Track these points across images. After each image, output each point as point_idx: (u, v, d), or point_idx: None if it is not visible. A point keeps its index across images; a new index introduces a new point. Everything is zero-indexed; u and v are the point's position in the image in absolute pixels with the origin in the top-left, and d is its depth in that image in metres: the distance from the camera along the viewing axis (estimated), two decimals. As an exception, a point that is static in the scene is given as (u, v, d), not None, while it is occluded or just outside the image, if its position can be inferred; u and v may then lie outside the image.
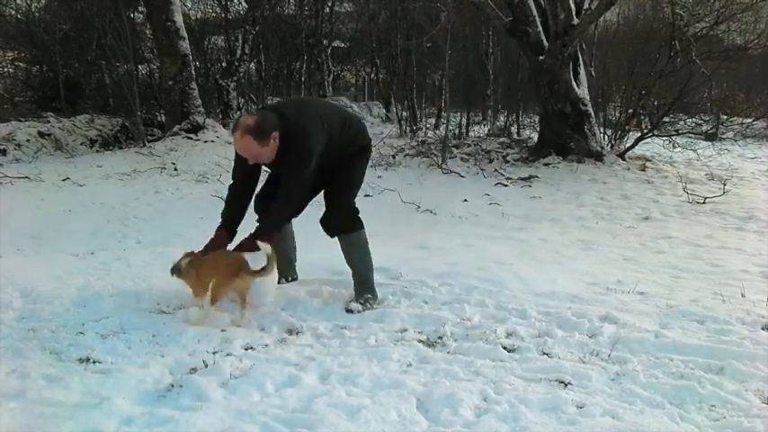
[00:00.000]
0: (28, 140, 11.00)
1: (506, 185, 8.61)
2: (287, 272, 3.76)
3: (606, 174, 8.95)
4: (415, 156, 10.51)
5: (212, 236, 3.46)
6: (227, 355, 2.85)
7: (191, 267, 3.24)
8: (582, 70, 10.17)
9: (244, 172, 3.43)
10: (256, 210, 3.59)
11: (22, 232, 6.09)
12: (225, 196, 3.55)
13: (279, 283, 3.62)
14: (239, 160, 3.39)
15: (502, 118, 14.33)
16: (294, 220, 3.67)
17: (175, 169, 9.64)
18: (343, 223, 3.53)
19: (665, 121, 10.39)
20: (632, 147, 9.98)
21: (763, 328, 3.17)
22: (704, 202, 7.43)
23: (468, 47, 14.66)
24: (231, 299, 3.31)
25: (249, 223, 3.44)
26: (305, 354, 2.88)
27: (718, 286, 3.97)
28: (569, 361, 2.81)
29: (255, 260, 3.17)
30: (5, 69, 14.45)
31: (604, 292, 3.84)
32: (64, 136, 11.53)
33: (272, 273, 3.12)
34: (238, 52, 13.30)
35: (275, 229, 3.40)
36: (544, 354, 2.89)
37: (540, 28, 9.69)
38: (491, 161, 10.17)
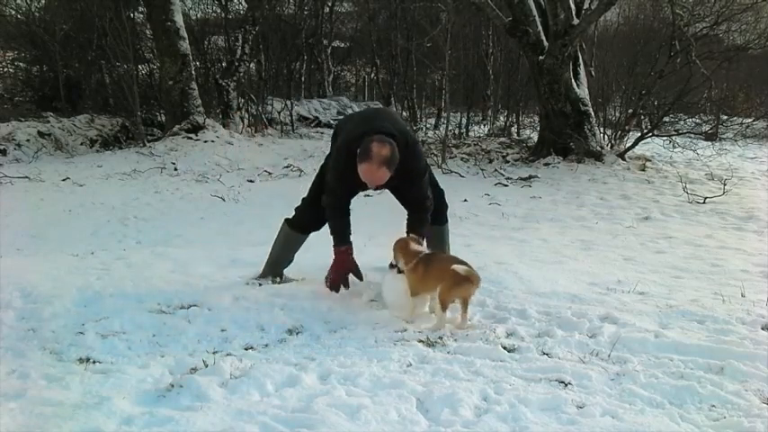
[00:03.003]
0: (28, 140, 11.01)
1: (506, 185, 8.61)
2: (280, 272, 3.90)
3: (606, 174, 8.96)
4: (414, 156, 10.49)
5: (339, 255, 3.54)
6: (227, 355, 2.85)
7: (417, 267, 3.21)
8: (582, 70, 10.18)
9: (349, 192, 3.54)
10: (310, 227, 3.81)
11: (22, 232, 6.10)
12: (330, 215, 3.59)
13: (274, 282, 3.79)
14: (347, 181, 3.44)
15: (502, 118, 14.34)
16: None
17: (175, 169, 9.65)
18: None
19: (665, 121, 10.39)
20: (632, 147, 9.98)
21: (763, 328, 3.17)
22: (704, 202, 7.43)
23: (468, 47, 14.65)
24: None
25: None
26: (305, 354, 2.88)
27: (719, 286, 3.97)
28: (569, 361, 2.81)
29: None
30: (5, 69, 14.46)
31: (604, 292, 3.83)
32: (64, 136, 11.54)
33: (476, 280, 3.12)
34: (238, 52, 13.30)
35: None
36: (544, 354, 2.89)
37: (540, 28, 9.69)
38: (491, 161, 10.17)
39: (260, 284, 3.76)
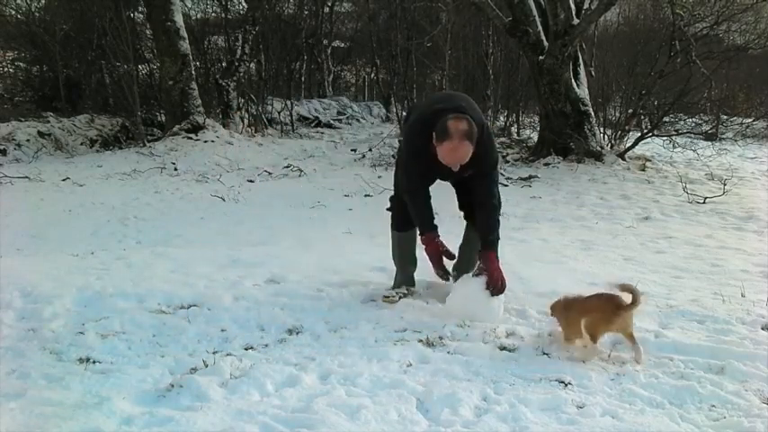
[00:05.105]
0: (28, 140, 11.01)
1: (506, 185, 8.60)
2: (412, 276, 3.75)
3: (606, 174, 8.95)
4: (415, 156, 10.49)
5: (429, 243, 3.37)
6: (227, 355, 2.85)
7: (563, 308, 3.04)
8: (582, 70, 10.17)
9: (429, 177, 3.36)
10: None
11: (22, 232, 6.10)
12: (410, 200, 3.43)
13: (409, 292, 3.65)
14: (422, 162, 3.27)
15: (502, 118, 14.32)
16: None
17: (175, 169, 9.64)
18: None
19: (665, 121, 10.38)
20: (632, 147, 9.97)
21: (763, 328, 3.17)
22: (704, 202, 7.42)
23: (468, 47, 14.64)
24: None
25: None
26: (305, 354, 2.88)
27: (719, 286, 3.96)
28: (569, 361, 2.81)
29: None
30: (5, 69, 14.46)
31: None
32: (64, 136, 11.54)
33: (639, 304, 2.80)
34: (238, 52, 13.29)
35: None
36: (544, 354, 2.89)
37: (540, 28, 9.69)
38: (491, 161, 10.14)
39: (397, 295, 3.58)
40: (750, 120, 12.41)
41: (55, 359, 2.79)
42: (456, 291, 3.38)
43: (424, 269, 3.74)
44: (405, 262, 3.73)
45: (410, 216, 3.56)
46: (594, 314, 2.82)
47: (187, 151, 10.61)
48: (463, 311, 3.27)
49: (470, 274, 3.38)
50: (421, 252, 3.56)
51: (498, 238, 3.39)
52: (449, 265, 3.53)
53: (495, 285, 3.28)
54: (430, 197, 3.42)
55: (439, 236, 3.39)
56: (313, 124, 15.39)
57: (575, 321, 2.88)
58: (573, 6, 9.21)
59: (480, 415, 2.36)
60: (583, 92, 9.88)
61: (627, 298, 2.79)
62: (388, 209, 3.77)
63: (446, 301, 3.39)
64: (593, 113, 9.96)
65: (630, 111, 10.81)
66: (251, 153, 10.98)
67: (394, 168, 3.77)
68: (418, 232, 3.44)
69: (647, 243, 5.58)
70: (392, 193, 3.69)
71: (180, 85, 11.43)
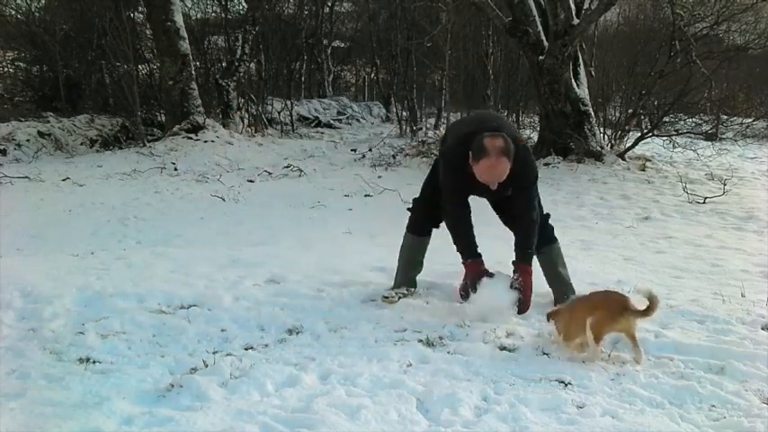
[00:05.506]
0: (28, 140, 11.01)
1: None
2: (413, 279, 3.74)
3: (606, 174, 8.95)
4: (415, 156, 10.50)
5: (475, 269, 3.31)
6: (227, 355, 2.85)
7: (565, 309, 3.02)
8: (582, 70, 10.17)
9: (466, 195, 3.38)
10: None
11: (22, 232, 6.10)
12: (451, 225, 3.42)
13: (408, 292, 3.63)
14: (461, 184, 3.28)
15: (502, 118, 14.31)
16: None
17: (175, 169, 9.65)
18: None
19: (665, 121, 10.38)
20: (632, 147, 9.97)
21: (763, 328, 3.17)
22: (704, 202, 7.43)
23: (468, 47, 14.64)
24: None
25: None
26: (305, 354, 2.88)
27: (719, 286, 3.96)
28: (569, 361, 2.81)
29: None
30: (5, 69, 14.47)
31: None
32: (64, 136, 11.54)
33: (654, 312, 2.77)
34: (238, 52, 13.30)
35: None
36: (544, 354, 2.89)
37: (540, 28, 9.69)
38: (491, 161, 10.14)
39: (396, 296, 3.56)
40: (750, 120, 12.40)
41: (55, 359, 2.79)
42: (483, 290, 3.32)
43: (424, 269, 3.74)
44: (410, 266, 3.72)
45: (425, 222, 3.62)
46: (600, 312, 2.80)
47: (187, 151, 10.61)
48: (486, 309, 3.24)
49: (501, 279, 3.32)
50: (426, 257, 3.61)
51: (532, 255, 3.38)
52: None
53: (526, 303, 3.29)
54: (471, 221, 3.41)
55: (482, 264, 3.35)
56: (313, 124, 15.39)
57: (579, 319, 2.86)
58: (573, 6, 9.21)
59: (480, 415, 2.36)
60: (583, 92, 9.88)
61: (640, 303, 2.78)
62: (408, 209, 3.78)
63: (471, 300, 3.34)
64: (593, 113, 9.96)
65: (630, 111, 10.81)
66: (251, 153, 10.99)
67: (428, 173, 3.76)
68: (460, 258, 3.39)
69: (647, 243, 5.58)
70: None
71: (180, 85, 11.44)
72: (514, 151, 3.16)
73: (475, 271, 3.33)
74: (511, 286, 3.28)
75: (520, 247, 3.37)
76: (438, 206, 3.54)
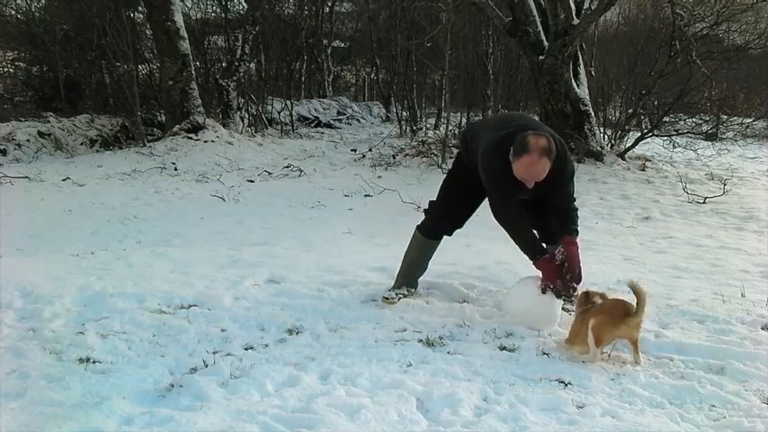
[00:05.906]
0: (28, 140, 11.01)
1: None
2: (415, 281, 3.72)
3: (606, 174, 8.94)
4: (415, 156, 10.49)
5: (547, 266, 3.22)
6: (227, 355, 2.85)
7: (582, 302, 3.00)
8: (582, 70, 10.16)
9: (517, 195, 3.27)
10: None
11: (22, 232, 6.09)
12: (510, 226, 3.33)
13: (409, 293, 3.62)
14: (514, 184, 3.18)
15: (502, 118, 14.32)
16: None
17: (175, 169, 9.64)
18: None
19: (665, 121, 10.38)
20: (632, 147, 9.97)
21: (763, 328, 3.17)
22: (704, 202, 7.42)
23: (468, 47, 14.64)
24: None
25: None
26: (305, 354, 2.88)
27: (718, 286, 3.96)
28: (569, 361, 2.81)
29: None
30: (5, 69, 14.47)
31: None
32: (64, 136, 11.53)
33: (643, 303, 2.77)
34: (238, 52, 13.29)
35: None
36: (544, 354, 2.89)
37: (540, 28, 9.68)
38: (491, 161, 10.13)
39: (397, 297, 3.55)
40: (750, 120, 12.38)
41: (55, 359, 2.79)
42: (514, 293, 3.30)
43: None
44: (415, 267, 3.69)
45: (442, 226, 3.58)
46: (603, 316, 2.79)
47: (187, 151, 10.61)
48: (522, 316, 3.20)
49: (528, 277, 3.30)
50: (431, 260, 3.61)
51: (578, 232, 3.31)
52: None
53: (574, 272, 3.18)
54: (527, 219, 3.33)
55: (549, 255, 3.26)
56: (313, 124, 15.39)
57: (583, 321, 2.85)
58: (573, 6, 9.20)
59: (480, 415, 2.36)
60: (583, 92, 9.88)
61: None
62: (424, 210, 3.75)
63: (504, 303, 3.33)
64: (593, 113, 9.96)
65: (630, 111, 10.80)
66: (251, 153, 10.98)
67: (445, 176, 3.76)
68: (531, 261, 3.29)
69: (647, 243, 5.58)
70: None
71: (180, 85, 11.43)
72: (556, 151, 3.12)
73: (548, 270, 3.21)
74: (554, 257, 3.19)
75: (563, 223, 3.29)
76: (456, 211, 3.52)
